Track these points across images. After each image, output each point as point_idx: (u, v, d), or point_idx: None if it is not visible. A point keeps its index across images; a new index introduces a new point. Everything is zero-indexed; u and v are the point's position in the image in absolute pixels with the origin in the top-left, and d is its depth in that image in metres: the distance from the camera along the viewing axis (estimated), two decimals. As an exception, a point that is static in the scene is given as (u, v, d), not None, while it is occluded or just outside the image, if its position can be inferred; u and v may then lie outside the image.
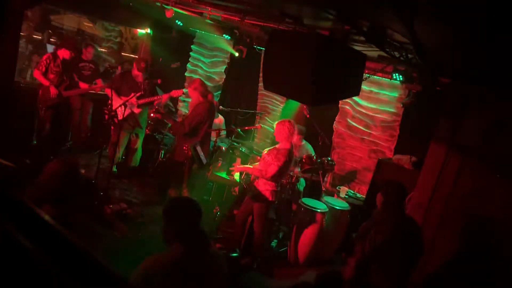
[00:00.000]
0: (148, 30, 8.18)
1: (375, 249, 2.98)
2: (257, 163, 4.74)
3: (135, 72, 5.61)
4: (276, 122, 4.36)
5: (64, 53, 5.61)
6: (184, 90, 5.76)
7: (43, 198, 2.11)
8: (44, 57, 5.63)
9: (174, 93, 5.47)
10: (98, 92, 6.68)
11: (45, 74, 5.53)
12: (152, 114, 5.86)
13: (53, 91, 5.52)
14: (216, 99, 8.16)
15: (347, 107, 6.39)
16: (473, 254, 4.04)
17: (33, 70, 7.12)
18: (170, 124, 6.16)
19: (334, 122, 6.55)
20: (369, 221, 3.28)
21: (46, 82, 5.52)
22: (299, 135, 5.61)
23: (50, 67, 5.56)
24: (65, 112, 6.17)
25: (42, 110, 5.63)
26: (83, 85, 6.25)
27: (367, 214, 4.68)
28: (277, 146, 4.36)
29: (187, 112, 7.98)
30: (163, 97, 5.60)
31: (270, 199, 4.29)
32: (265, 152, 4.47)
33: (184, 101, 8.55)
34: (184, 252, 1.92)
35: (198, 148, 4.66)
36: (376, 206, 3.30)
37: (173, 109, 7.66)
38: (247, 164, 5.14)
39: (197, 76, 8.44)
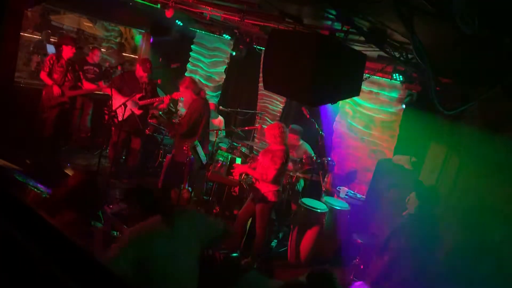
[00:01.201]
0: (148, 30, 8.19)
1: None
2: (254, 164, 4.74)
3: (140, 73, 5.60)
4: (265, 127, 4.38)
5: (66, 52, 5.61)
6: None
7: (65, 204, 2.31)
8: (47, 57, 5.64)
9: (176, 95, 5.46)
10: (98, 92, 6.68)
11: (49, 74, 5.55)
12: (149, 120, 5.86)
13: (56, 90, 5.52)
14: (216, 99, 8.17)
15: (347, 107, 6.39)
16: (473, 254, 4.04)
17: (33, 70, 7.15)
18: (167, 127, 6.15)
19: (334, 122, 6.55)
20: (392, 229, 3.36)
21: (49, 82, 5.54)
22: (296, 135, 5.61)
23: (54, 67, 5.57)
24: (69, 112, 6.16)
25: (46, 109, 5.63)
26: (87, 85, 6.24)
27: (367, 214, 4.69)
28: (271, 147, 4.35)
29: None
30: (165, 100, 5.58)
31: (272, 200, 4.29)
32: (260, 153, 4.47)
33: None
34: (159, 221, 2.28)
35: (198, 148, 4.66)
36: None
37: (173, 110, 7.66)
38: (247, 164, 5.14)
39: (197, 76, 8.45)
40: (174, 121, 5.55)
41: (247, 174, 5.34)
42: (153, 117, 5.75)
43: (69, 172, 4.35)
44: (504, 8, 1.79)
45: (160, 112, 5.95)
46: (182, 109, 8.48)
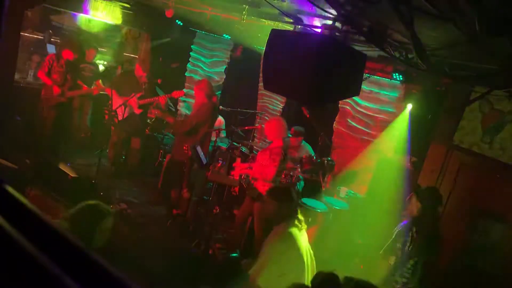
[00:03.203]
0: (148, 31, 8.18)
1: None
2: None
3: (140, 72, 5.61)
4: (265, 122, 4.39)
5: (68, 54, 5.62)
6: (184, 90, 5.76)
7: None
8: (47, 57, 5.64)
9: (175, 94, 5.47)
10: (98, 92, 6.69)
11: (48, 74, 5.54)
12: (152, 111, 5.85)
13: (56, 90, 5.53)
14: (216, 99, 8.16)
15: (347, 107, 6.38)
16: (473, 253, 4.04)
17: (33, 70, 7.15)
18: (170, 122, 6.13)
19: (334, 122, 6.54)
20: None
21: (49, 82, 5.53)
22: (299, 137, 5.59)
23: (53, 67, 5.57)
24: (68, 112, 6.17)
25: (45, 109, 5.63)
26: (86, 87, 6.26)
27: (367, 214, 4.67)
28: (269, 145, 4.35)
29: (187, 112, 7.98)
30: (161, 100, 5.58)
31: (270, 199, 4.28)
32: (259, 153, 4.46)
33: (184, 101, 8.55)
34: None
35: (198, 148, 4.66)
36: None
37: (174, 109, 7.66)
38: (246, 164, 5.14)
39: (197, 76, 8.45)
40: (178, 119, 5.54)
41: (247, 174, 5.34)
42: (158, 107, 5.71)
43: (68, 171, 4.36)
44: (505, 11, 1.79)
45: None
46: (182, 109, 8.49)
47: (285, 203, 2.83)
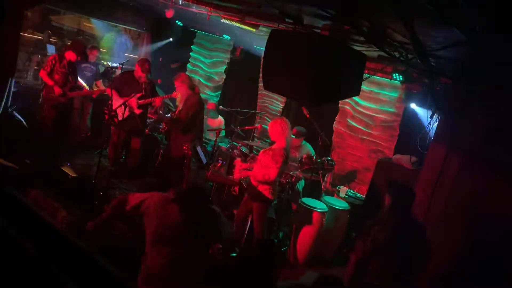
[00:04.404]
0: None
1: (375, 247, 3.00)
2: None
3: (139, 73, 5.60)
4: (269, 123, 4.38)
5: (70, 56, 5.63)
6: None
7: None
8: (50, 57, 5.65)
9: (175, 94, 5.47)
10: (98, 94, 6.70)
11: (50, 74, 5.54)
12: (149, 115, 5.89)
13: (57, 90, 5.53)
14: (216, 99, 8.17)
15: (347, 107, 6.39)
16: (473, 254, 4.04)
17: (33, 70, 7.16)
18: (166, 121, 6.14)
19: (334, 122, 6.55)
20: (373, 219, 3.29)
21: (50, 82, 5.54)
22: (300, 137, 5.60)
23: (56, 68, 5.57)
24: (69, 112, 6.18)
25: (45, 109, 5.63)
26: (87, 88, 6.31)
27: (367, 213, 4.68)
28: (272, 146, 4.34)
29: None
30: (157, 100, 5.60)
31: (269, 197, 4.28)
32: (261, 153, 4.45)
33: (184, 101, 8.55)
34: None
35: (198, 148, 4.66)
36: (380, 205, 3.31)
37: (173, 109, 7.66)
38: (246, 164, 5.13)
39: (197, 77, 8.45)
40: (172, 116, 5.53)
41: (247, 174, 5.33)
42: (155, 113, 5.77)
43: (68, 171, 4.36)
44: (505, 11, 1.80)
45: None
46: (182, 109, 8.49)
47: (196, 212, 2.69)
